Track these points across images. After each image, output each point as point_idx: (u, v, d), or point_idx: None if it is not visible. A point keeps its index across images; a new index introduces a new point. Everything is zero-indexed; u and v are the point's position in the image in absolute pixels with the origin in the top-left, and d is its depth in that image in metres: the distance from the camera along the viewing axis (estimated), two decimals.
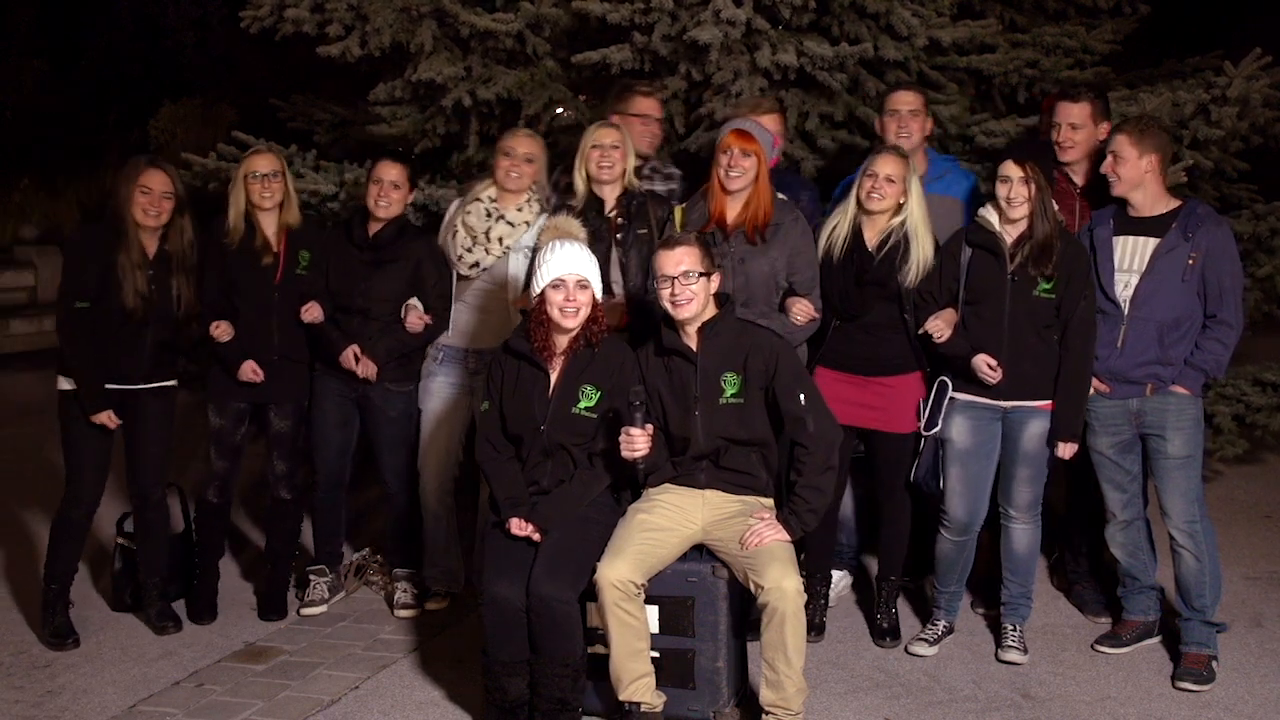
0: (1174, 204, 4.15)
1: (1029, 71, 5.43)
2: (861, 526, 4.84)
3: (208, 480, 4.78)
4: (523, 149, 4.63)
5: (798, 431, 3.74)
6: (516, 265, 4.60)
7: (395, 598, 4.81)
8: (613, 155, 4.44)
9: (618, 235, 4.43)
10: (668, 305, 3.75)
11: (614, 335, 3.95)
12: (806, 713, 3.66)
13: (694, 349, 3.79)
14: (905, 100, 4.59)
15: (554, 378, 3.86)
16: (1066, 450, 4.15)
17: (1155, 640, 4.34)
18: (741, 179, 4.19)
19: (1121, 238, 4.15)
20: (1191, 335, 4.10)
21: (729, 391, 3.78)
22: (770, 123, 4.55)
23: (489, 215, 4.60)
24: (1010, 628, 4.29)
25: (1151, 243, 4.10)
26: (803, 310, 4.17)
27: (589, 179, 4.47)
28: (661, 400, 3.82)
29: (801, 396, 3.75)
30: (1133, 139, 4.07)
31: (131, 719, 3.98)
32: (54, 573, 4.59)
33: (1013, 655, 4.22)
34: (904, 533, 4.45)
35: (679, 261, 3.71)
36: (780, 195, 4.41)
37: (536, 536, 3.74)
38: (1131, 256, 4.12)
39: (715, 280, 3.79)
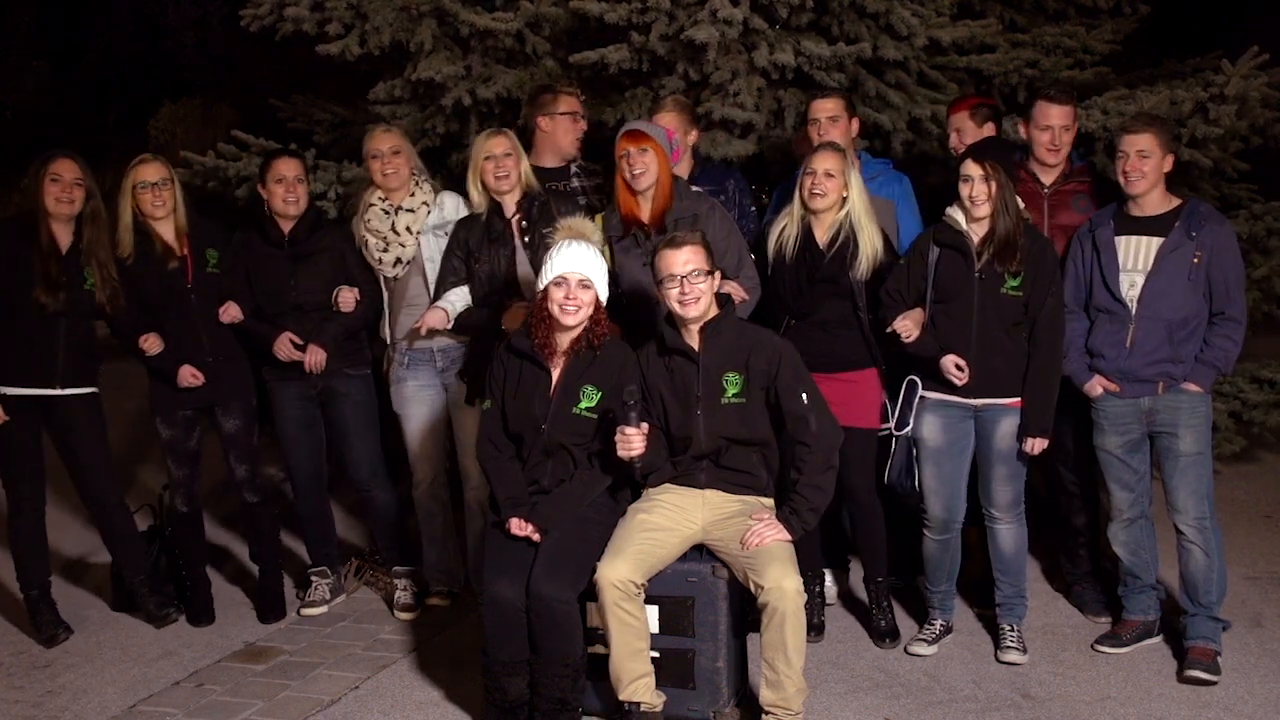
0: (1174, 202, 4.15)
1: (1029, 71, 5.42)
2: (828, 522, 4.79)
3: (171, 490, 4.77)
4: (386, 145, 4.67)
5: (800, 430, 3.74)
6: (430, 248, 4.66)
7: (395, 598, 4.81)
8: (505, 163, 4.50)
9: (524, 238, 4.48)
10: (675, 305, 3.75)
11: (615, 337, 3.95)
12: (806, 713, 3.67)
13: (696, 348, 3.79)
14: (824, 108, 4.60)
15: (555, 377, 3.86)
16: (1035, 446, 4.14)
17: (1156, 640, 4.33)
18: (646, 176, 4.24)
19: (1124, 238, 4.14)
20: (1199, 333, 4.10)
21: (731, 391, 3.78)
22: (668, 120, 4.58)
23: (387, 214, 4.66)
24: (1008, 628, 4.29)
25: (1155, 242, 4.09)
26: (731, 291, 4.16)
27: (486, 189, 4.52)
28: (663, 400, 3.82)
29: (804, 395, 3.75)
30: (1159, 138, 4.07)
31: (131, 719, 3.99)
32: (28, 579, 4.60)
33: (1012, 655, 4.22)
34: (878, 531, 4.44)
35: (686, 260, 3.72)
36: (695, 188, 4.45)
37: (536, 536, 3.74)
38: (1136, 257, 4.12)
39: (717, 279, 3.80)
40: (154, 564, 4.81)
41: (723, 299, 3.87)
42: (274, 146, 5.68)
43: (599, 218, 4.45)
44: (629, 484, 3.93)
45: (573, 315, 3.78)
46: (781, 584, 3.51)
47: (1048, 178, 4.51)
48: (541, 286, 3.81)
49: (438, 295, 4.58)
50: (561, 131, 4.82)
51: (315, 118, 6.47)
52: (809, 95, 5.16)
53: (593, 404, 3.82)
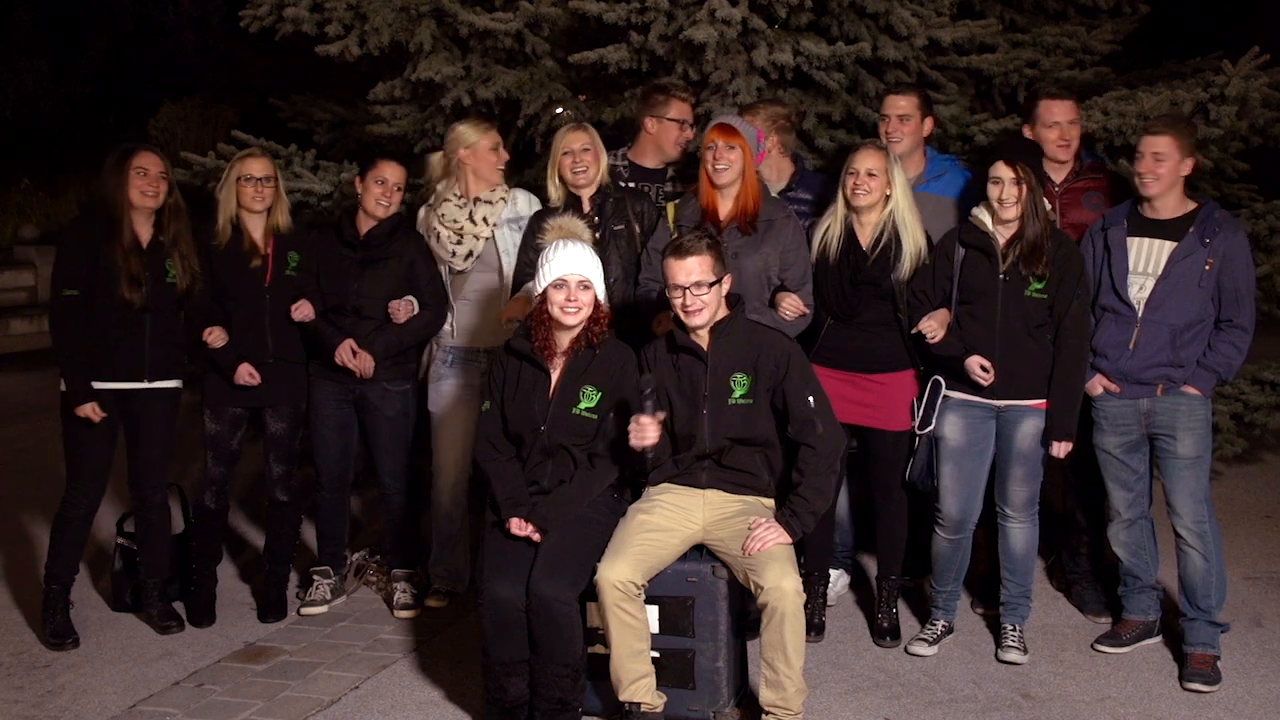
0: (1190, 206, 4.12)
1: (1029, 71, 5.42)
2: (856, 525, 4.84)
3: (203, 485, 4.78)
4: (488, 142, 4.67)
5: (805, 433, 3.74)
6: (505, 240, 4.66)
7: (395, 598, 4.81)
8: (584, 159, 4.47)
9: (596, 234, 4.44)
10: (680, 312, 3.75)
11: (614, 336, 3.95)
12: (806, 713, 3.66)
13: (705, 348, 3.79)
14: (896, 105, 4.59)
15: (554, 378, 3.86)
16: (1060, 449, 4.14)
17: (1155, 640, 4.33)
18: (729, 171, 4.20)
19: (1136, 239, 4.12)
20: (1203, 337, 4.09)
21: (738, 392, 3.77)
22: (760, 121, 4.55)
23: (462, 206, 4.67)
24: (1010, 628, 4.29)
25: (1168, 246, 4.07)
26: (792, 305, 4.17)
27: (564, 183, 4.51)
28: (669, 397, 3.82)
29: (811, 399, 3.75)
30: (1178, 141, 4.04)
31: (131, 719, 3.99)
32: (54, 573, 4.59)
33: (1013, 655, 4.22)
34: (900, 531, 4.45)
35: (690, 271, 3.71)
36: (773, 194, 4.41)
37: (536, 536, 3.74)
38: (1147, 260, 4.10)
39: (726, 283, 3.79)
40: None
41: (733, 299, 3.87)
42: (274, 146, 5.70)
43: (671, 206, 4.42)
44: (629, 483, 3.94)
45: (573, 316, 3.78)
46: (781, 584, 3.51)
47: (1058, 176, 4.51)
48: (540, 289, 3.80)
49: (516, 289, 4.56)
50: (666, 135, 4.79)
51: (315, 118, 6.48)
52: (808, 95, 5.17)
53: (592, 404, 3.82)
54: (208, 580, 4.84)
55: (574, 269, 3.77)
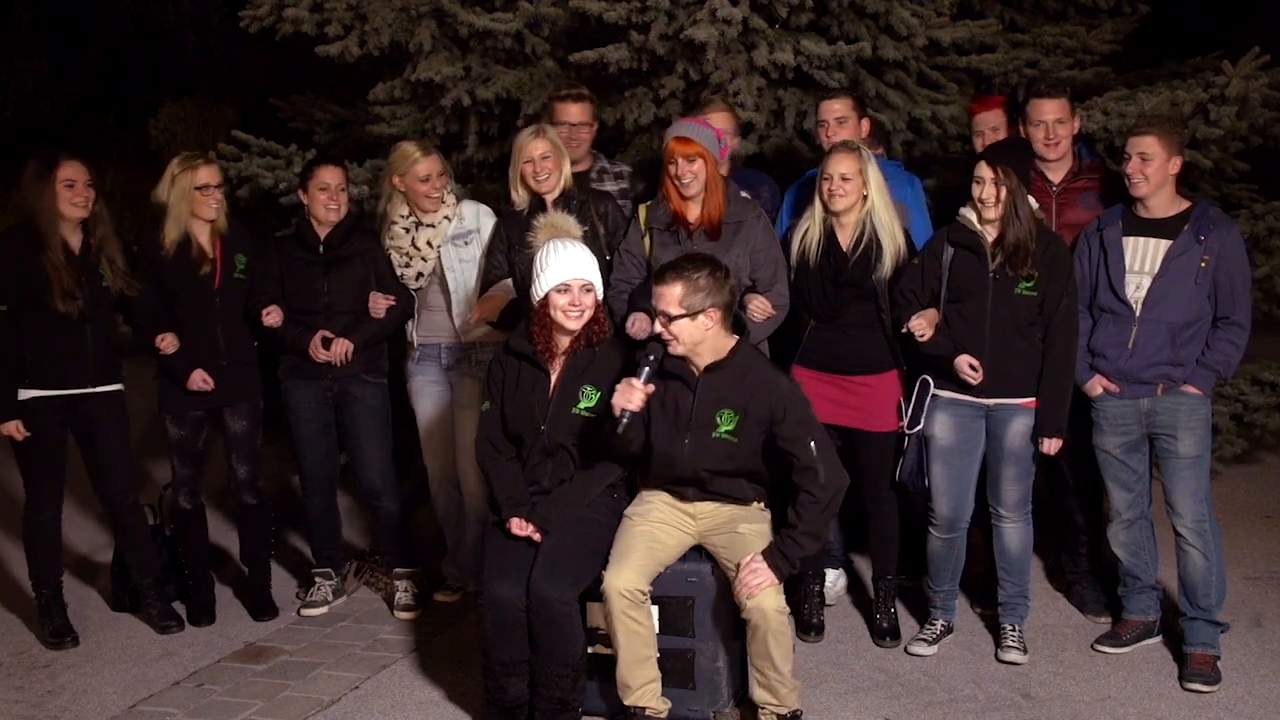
0: (1183, 205, 4.13)
1: (1029, 71, 5.42)
2: (846, 524, 4.82)
3: (175, 488, 4.78)
4: (428, 170, 4.64)
5: (808, 480, 3.62)
6: (449, 257, 4.67)
7: (395, 598, 4.81)
8: (545, 166, 4.46)
9: None
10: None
11: (613, 336, 3.95)
12: (806, 712, 3.66)
13: (695, 376, 3.72)
14: (831, 109, 4.58)
15: (554, 378, 3.85)
16: (1050, 446, 4.14)
17: (1155, 640, 4.33)
18: (694, 183, 4.19)
19: (1131, 239, 4.12)
20: (1202, 335, 4.09)
21: (724, 427, 3.69)
22: (719, 121, 4.53)
23: (407, 231, 4.69)
24: (1009, 628, 4.29)
25: (1163, 245, 4.07)
26: (760, 308, 4.15)
27: (527, 189, 4.50)
28: (649, 412, 3.74)
29: (812, 445, 3.63)
30: (1163, 140, 4.03)
31: (131, 719, 3.99)
32: (40, 579, 4.60)
33: (1012, 655, 4.22)
34: (892, 532, 4.44)
35: (658, 299, 3.66)
36: (743, 194, 4.42)
37: (537, 536, 3.74)
38: (1143, 258, 4.10)
39: (710, 317, 3.64)
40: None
41: (739, 327, 3.82)
42: (274, 146, 5.70)
43: (644, 208, 4.42)
44: (626, 484, 3.93)
45: (577, 320, 3.77)
46: (762, 604, 3.51)
47: (1055, 175, 4.50)
48: (541, 292, 3.77)
49: (484, 290, 4.57)
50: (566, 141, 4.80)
51: (315, 118, 6.47)
52: (809, 95, 5.17)
53: (592, 404, 3.81)
54: (205, 580, 4.84)
55: (577, 273, 3.76)
